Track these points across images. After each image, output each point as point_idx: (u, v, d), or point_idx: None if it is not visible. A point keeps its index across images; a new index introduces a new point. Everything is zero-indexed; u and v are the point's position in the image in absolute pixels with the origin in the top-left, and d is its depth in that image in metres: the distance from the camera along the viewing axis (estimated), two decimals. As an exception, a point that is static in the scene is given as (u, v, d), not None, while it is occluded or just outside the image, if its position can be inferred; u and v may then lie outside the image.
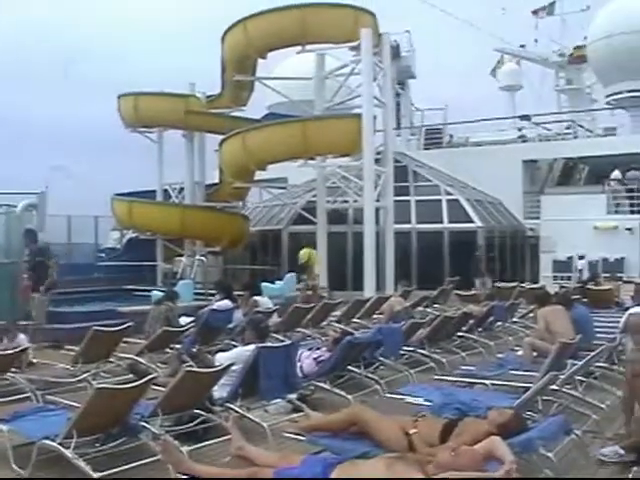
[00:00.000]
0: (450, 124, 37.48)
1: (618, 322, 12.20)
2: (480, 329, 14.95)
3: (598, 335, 12.53)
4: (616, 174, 30.79)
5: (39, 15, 67.67)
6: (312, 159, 26.16)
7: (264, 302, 15.06)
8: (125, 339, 11.84)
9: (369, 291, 23.51)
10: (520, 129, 36.36)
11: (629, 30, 33.94)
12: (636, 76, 34.30)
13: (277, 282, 23.27)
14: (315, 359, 9.93)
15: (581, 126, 36.61)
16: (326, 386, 9.59)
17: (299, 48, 25.96)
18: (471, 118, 36.16)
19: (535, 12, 44.19)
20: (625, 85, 35.02)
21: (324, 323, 15.93)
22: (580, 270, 27.73)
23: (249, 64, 27.32)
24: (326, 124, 25.54)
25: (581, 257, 27.97)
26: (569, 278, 27.39)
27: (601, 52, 35.62)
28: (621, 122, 36.53)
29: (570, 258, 28.21)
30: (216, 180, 30.57)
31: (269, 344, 9.06)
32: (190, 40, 71.51)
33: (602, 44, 35.40)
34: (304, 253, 24.59)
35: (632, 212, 29.09)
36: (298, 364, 9.50)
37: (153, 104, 29.05)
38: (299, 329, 14.96)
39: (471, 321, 14.56)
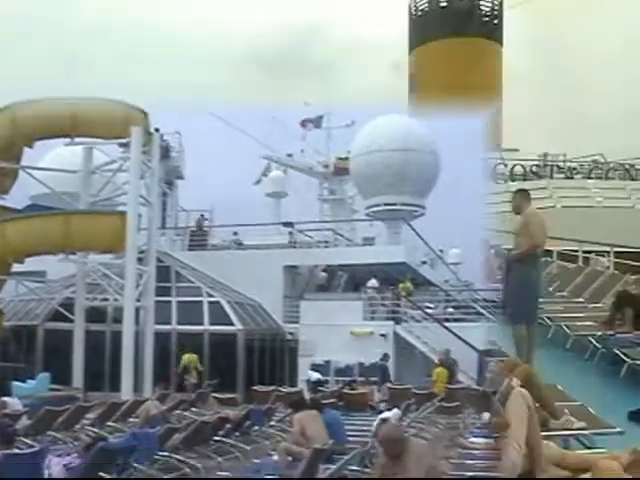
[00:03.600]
0: (216, 227, 37.84)
1: (371, 425, 12.70)
2: (237, 433, 14.92)
3: (352, 439, 12.88)
4: (372, 282, 32.18)
5: None
6: (73, 254, 25.55)
7: (13, 403, 14.30)
8: None
9: (126, 393, 22.97)
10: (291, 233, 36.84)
11: (385, 148, 36.08)
12: (391, 190, 36.34)
13: (29, 381, 22.19)
14: (65, 466, 9.50)
15: (342, 235, 38.07)
16: (75, 495, 9.19)
17: (68, 140, 25.56)
18: (238, 222, 36.70)
19: (303, 124, 45.82)
20: (382, 199, 36.92)
21: (77, 426, 15.28)
22: (308, 380, 26.53)
23: (14, 151, 26.42)
24: (90, 219, 25.25)
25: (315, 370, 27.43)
26: (327, 382, 27.83)
27: (361, 166, 37.57)
28: (378, 233, 38.34)
29: (328, 362, 28.87)
30: (-31, 271, 28.89)
31: (15, 450, 8.56)
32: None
33: (362, 159, 37.38)
34: (186, 357, 26.28)
35: (386, 319, 30.35)
36: (46, 472, 9.04)
37: None
38: (50, 432, 14.26)
39: (228, 425, 14.51)
